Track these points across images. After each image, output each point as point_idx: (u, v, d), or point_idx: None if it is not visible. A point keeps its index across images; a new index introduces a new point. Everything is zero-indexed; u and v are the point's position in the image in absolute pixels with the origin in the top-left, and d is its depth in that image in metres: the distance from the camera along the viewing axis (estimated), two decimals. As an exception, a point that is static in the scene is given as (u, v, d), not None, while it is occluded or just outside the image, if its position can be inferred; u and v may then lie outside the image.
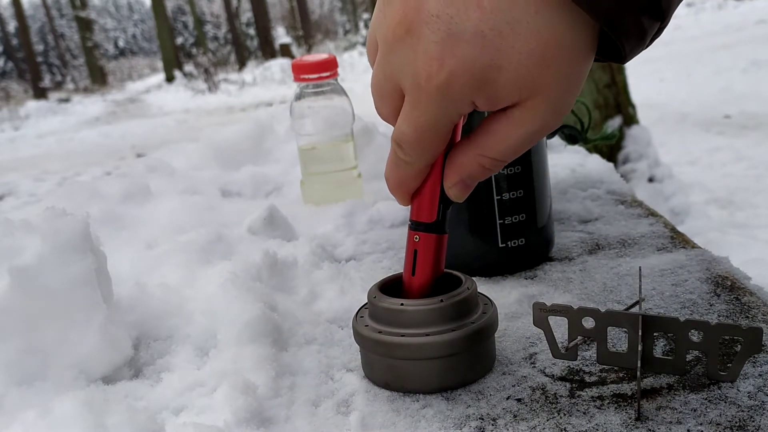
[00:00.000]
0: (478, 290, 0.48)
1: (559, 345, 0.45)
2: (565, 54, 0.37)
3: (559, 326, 0.45)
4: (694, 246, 0.64)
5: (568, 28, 0.36)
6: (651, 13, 0.36)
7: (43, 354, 0.48)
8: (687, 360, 0.42)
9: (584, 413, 0.40)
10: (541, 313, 0.44)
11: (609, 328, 0.43)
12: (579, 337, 0.44)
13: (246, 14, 27.22)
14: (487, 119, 0.40)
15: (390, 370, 0.45)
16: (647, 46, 0.39)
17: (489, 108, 0.39)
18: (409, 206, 0.45)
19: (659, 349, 0.46)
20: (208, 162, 1.10)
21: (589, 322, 0.43)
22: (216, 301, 0.54)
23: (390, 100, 0.41)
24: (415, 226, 0.45)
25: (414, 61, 0.38)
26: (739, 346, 0.40)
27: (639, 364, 0.40)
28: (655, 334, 0.42)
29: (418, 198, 0.44)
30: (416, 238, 0.45)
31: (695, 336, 0.40)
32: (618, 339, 0.48)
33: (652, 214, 0.74)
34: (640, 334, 0.40)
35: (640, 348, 0.40)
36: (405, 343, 0.44)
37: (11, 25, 29.60)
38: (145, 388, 0.48)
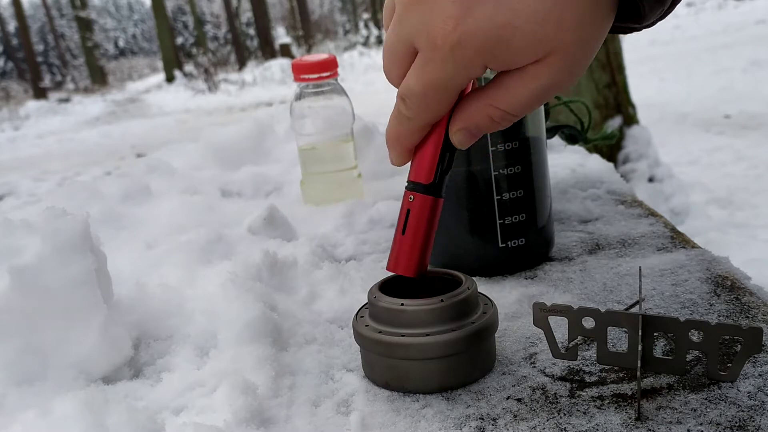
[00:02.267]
0: (478, 290, 0.48)
1: (559, 345, 0.45)
2: (582, 14, 0.37)
3: (559, 326, 0.45)
4: (694, 246, 0.64)
5: None
6: None
7: (43, 354, 0.48)
8: (687, 360, 0.42)
9: (584, 413, 0.40)
10: (541, 313, 0.44)
11: (609, 328, 0.43)
12: (579, 337, 0.44)
13: (246, 14, 27.23)
14: (500, 73, 0.40)
15: (390, 370, 0.45)
16: (667, 11, 0.39)
17: (504, 69, 0.39)
18: (400, 166, 0.45)
19: (659, 349, 0.46)
20: (208, 162, 1.10)
21: (589, 322, 0.43)
22: (216, 301, 0.54)
23: (402, 61, 0.41)
24: (412, 186, 0.45)
25: (430, 20, 0.38)
26: (739, 346, 0.40)
27: (639, 364, 0.40)
28: (655, 334, 0.42)
29: (418, 158, 0.44)
30: (411, 198, 0.45)
31: (695, 336, 0.40)
32: (618, 339, 0.48)
33: (652, 214, 0.74)
34: (640, 334, 0.40)
35: (640, 348, 0.40)
36: (405, 343, 0.44)
37: (11, 25, 29.60)
38: (145, 388, 0.48)
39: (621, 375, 0.44)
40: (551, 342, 0.45)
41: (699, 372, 0.43)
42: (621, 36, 3.27)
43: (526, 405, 0.42)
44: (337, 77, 0.89)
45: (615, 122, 3.34)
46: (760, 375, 0.41)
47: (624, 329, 0.44)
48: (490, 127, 0.42)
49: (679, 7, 0.43)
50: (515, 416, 0.41)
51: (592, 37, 0.38)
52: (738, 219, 2.85)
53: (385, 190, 0.89)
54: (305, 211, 0.87)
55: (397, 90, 0.43)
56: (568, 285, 0.58)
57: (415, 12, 0.39)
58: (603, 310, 0.42)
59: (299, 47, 20.92)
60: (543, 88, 0.39)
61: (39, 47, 32.48)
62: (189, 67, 18.72)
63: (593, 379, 0.44)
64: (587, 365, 0.45)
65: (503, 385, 0.44)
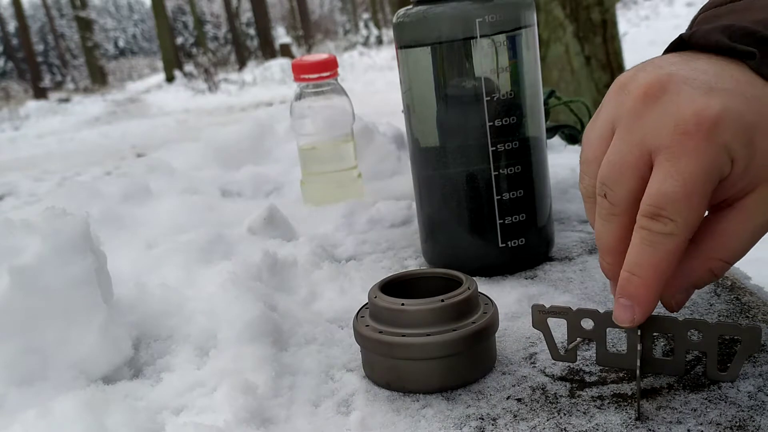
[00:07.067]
0: (479, 290, 0.48)
1: (559, 347, 0.45)
2: None
3: (559, 326, 0.45)
4: (694, 246, 0.64)
5: None
6: None
7: (43, 354, 0.48)
8: (687, 360, 0.41)
9: (584, 413, 0.40)
10: (540, 315, 0.44)
11: (608, 329, 0.43)
12: (578, 339, 0.44)
13: (246, 14, 27.22)
14: (708, 220, 0.39)
15: (391, 370, 0.45)
16: None
17: (739, 173, 0.37)
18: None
19: (659, 349, 0.46)
20: (208, 162, 1.10)
21: (588, 323, 0.43)
22: (216, 301, 0.54)
23: (634, 172, 0.37)
24: None
25: (677, 111, 0.36)
26: (738, 346, 0.40)
27: (638, 363, 0.40)
28: (654, 334, 0.41)
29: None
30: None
31: (694, 336, 0.40)
32: (618, 340, 0.48)
33: (652, 214, 0.74)
34: (638, 333, 0.40)
35: (639, 348, 0.40)
36: (406, 343, 0.44)
37: (11, 25, 29.59)
38: (145, 388, 0.48)
39: (621, 375, 0.44)
40: (551, 344, 0.45)
41: (699, 372, 0.43)
42: (621, 36, 3.27)
43: (526, 405, 0.42)
44: (337, 77, 0.89)
45: (615, 122, 3.34)
46: (760, 375, 0.41)
47: (623, 330, 0.44)
48: (709, 281, 0.40)
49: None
50: (515, 416, 0.41)
51: None
52: (738, 219, 2.85)
53: (385, 190, 0.89)
54: (305, 211, 0.87)
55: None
56: (568, 285, 0.58)
57: (654, 112, 0.37)
58: (602, 311, 0.42)
59: (299, 47, 20.93)
60: (759, 227, 0.38)
61: (39, 47, 32.46)
62: (189, 67, 18.71)
63: (593, 379, 0.44)
64: (587, 365, 0.45)
65: (503, 385, 0.44)
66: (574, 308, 0.43)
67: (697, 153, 0.35)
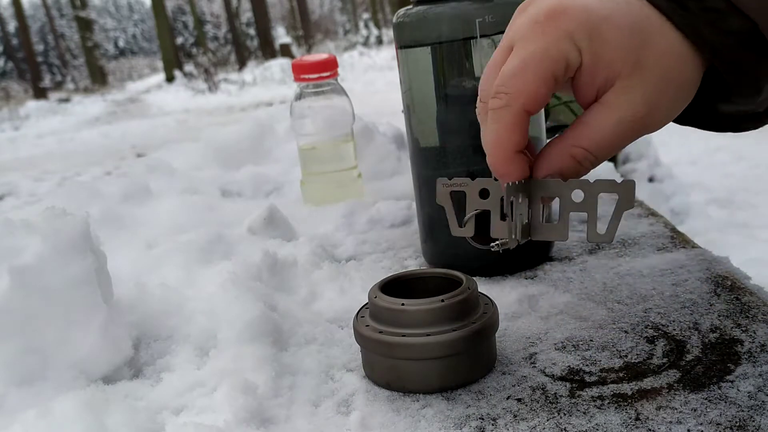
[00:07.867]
0: (479, 290, 0.48)
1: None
2: (667, 49, 0.38)
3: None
4: (694, 246, 0.64)
5: (672, 35, 0.39)
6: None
7: (43, 354, 0.48)
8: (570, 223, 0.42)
9: (584, 413, 0.40)
10: (444, 189, 0.45)
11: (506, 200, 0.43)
12: (475, 210, 0.44)
13: (246, 14, 27.23)
14: (581, 115, 0.41)
15: (391, 370, 0.45)
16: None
17: (591, 65, 0.39)
18: (514, 179, 0.42)
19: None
20: (208, 162, 1.10)
21: (485, 194, 0.44)
22: (216, 301, 0.54)
23: (498, 67, 0.41)
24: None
25: (535, 10, 0.40)
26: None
27: (512, 216, 0.41)
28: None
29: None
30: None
31: (577, 197, 0.41)
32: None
33: (652, 214, 0.74)
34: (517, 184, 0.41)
35: (520, 199, 0.41)
36: (406, 343, 0.44)
37: (11, 25, 29.61)
38: (145, 388, 0.48)
39: (621, 375, 0.44)
40: (451, 218, 0.45)
41: (699, 372, 0.43)
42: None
43: (526, 405, 0.42)
44: (337, 77, 0.89)
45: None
46: (760, 375, 0.42)
47: (511, 195, 0.43)
48: (574, 169, 0.41)
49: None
50: (515, 416, 0.41)
51: (673, 74, 0.39)
52: (738, 219, 2.85)
53: (385, 190, 0.89)
54: (305, 211, 0.87)
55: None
56: (568, 285, 0.58)
57: (518, 17, 0.41)
58: (497, 180, 0.43)
59: (299, 47, 20.94)
60: (621, 121, 0.39)
61: (39, 47, 32.46)
62: (189, 67, 18.71)
63: (593, 379, 0.44)
64: (587, 365, 0.46)
65: (503, 385, 0.45)
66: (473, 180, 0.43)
67: (538, 36, 0.39)
